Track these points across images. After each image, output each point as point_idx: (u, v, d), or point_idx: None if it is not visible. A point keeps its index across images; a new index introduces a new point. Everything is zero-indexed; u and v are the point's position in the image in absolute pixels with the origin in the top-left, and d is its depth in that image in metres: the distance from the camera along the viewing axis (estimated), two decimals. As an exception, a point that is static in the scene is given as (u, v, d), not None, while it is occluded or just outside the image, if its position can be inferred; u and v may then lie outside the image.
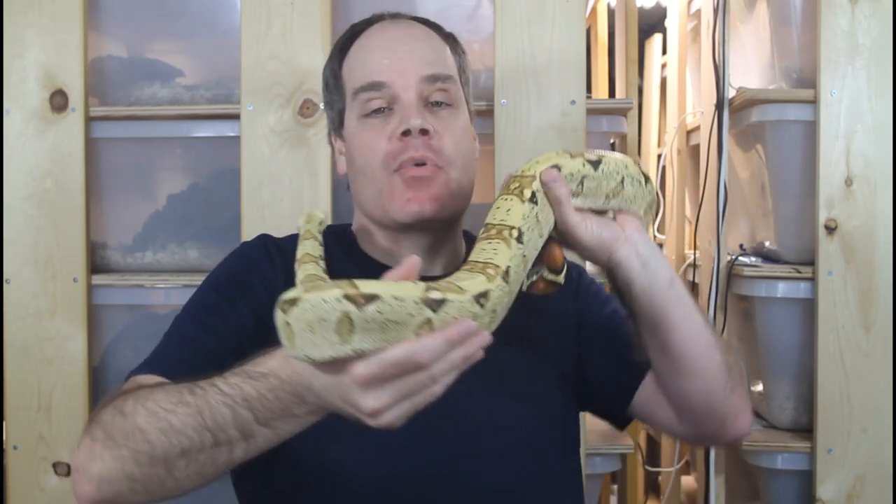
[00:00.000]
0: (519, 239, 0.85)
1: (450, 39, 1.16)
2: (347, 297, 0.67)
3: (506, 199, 0.89)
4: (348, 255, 1.14)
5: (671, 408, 1.07)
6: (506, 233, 0.85)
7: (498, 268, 0.79)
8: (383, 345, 0.68)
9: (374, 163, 1.07)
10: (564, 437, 1.11)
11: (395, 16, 1.16)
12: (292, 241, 1.11)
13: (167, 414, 0.81)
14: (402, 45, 1.10)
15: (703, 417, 1.04)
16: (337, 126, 1.15)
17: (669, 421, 1.09)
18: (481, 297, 0.74)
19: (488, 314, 0.76)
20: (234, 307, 1.03)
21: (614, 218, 0.97)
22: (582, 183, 0.92)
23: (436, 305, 0.69)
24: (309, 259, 0.88)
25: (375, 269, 1.10)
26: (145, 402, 0.83)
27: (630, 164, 0.97)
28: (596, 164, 0.94)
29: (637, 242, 0.95)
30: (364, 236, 1.15)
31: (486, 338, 0.70)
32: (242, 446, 0.80)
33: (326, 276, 0.84)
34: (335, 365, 0.69)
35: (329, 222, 1.02)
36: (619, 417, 1.16)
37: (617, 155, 0.97)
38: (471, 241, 1.19)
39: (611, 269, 0.96)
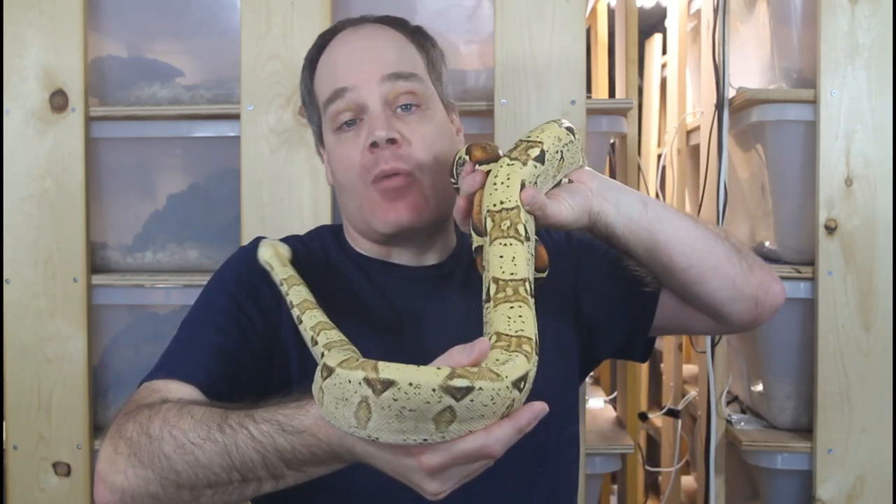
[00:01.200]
0: (530, 292, 0.84)
1: (416, 35, 1.16)
2: (367, 381, 0.68)
3: (506, 245, 0.85)
4: (343, 251, 1.16)
5: (703, 313, 1.08)
6: (521, 290, 0.82)
7: (530, 340, 0.77)
8: (399, 437, 0.69)
9: (352, 176, 1.08)
10: (562, 405, 1.12)
11: (358, 21, 1.16)
12: (289, 242, 1.12)
13: (194, 448, 0.81)
14: (362, 49, 1.11)
15: (737, 307, 1.06)
16: (319, 139, 1.17)
17: (708, 324, 1.11)
18: (521, 381, 0.72)
19: (526, 391, 0.74)
20: (243, 308, 1.03)
21: (570, 181, 0.98)
22: (563, 156, 0.94)
23: (460, 394, 0.68)
24: (295, 281, 0.93)
25: (369, 264, 1.11)
26: (172, 429, 0.83)
27: (559, 134, 0.95)
28: (570, 131, 0.96)
29: (601, 189, 0.96)
30: (355, 240, 1.17)
31: (545, 409, 0.72)
32: (271, 484, 0.82)
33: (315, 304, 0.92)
34: (400, 448, 0.71)
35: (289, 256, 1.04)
36: (640, 349, 1.18)
37: (546, 129, 0.95)
38: (458, 229, 1.20)
39: (593, 225, 0.97)
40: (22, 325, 1.69)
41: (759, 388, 1.83)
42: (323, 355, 0.82)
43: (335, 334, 0.90)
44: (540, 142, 0.91)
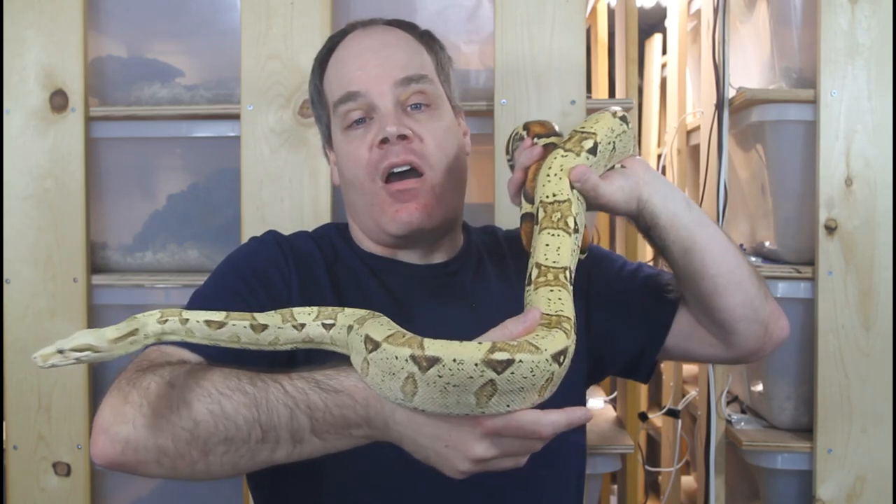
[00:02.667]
0: (570, 280, 0.88)
1: (425, 38, 1.17)
2: (413, 358, 0.72)
3: (554, 236, 0.90)
4: (350, 248, 1.16)
5: (714, 334, 1.09)
6: (562, 276, 0.87)
7: (570, 320, 0.81)
8: (443, 410, 0.73)
9: (360, 174, 1.08)
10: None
11: (369, 23, 1.17)
12: (299, 238, 1.13)
13: (221, 397, 0.78)
14: (374, 52, 1.11)
15: (748, 329, 1.07)
16: (327, 139, 1.17)
17: (712, 350, 1.12)
18: (560, 356, 0.76)
19: (566, 365, 0.78)
20: (255, 294, 1.02)
21: (623, 167, 1.00)
22: (615, 147, 0.98)
23: (501, 367, 0.71)
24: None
25: (376, 262, 1.11)
26: (201, 379, 0.80)
27: (612, 125, 0.99)
28: (624, 120, 1.00)
29: (652, 179, 1.00)
30: (361, 240, 1.17)
31: (590, 417, 0.78)
32: (286, 449, 0.79)
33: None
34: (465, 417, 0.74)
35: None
36: (644, 371, 1.18)
37: (601, 120, 0.99)
38: (470, 232, 1.19)
39: (639, 212, 1.00)
40: (22, 325, 1.69)
41: (759, 388, 1.83)
42: (351, 328, 0.81)
43: (354, 311, 0.86)
44: (594, 133, 0.95)
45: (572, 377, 1.11)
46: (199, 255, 1.78)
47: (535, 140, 1.00)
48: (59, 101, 1.68)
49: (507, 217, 1.60)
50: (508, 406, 0.73)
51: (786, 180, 1.72)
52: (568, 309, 0.82)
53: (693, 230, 1.01)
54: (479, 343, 0.72)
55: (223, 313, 0.82)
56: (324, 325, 0.84)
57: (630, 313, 1.14)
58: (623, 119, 1.00)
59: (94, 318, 1.72)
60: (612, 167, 1.00)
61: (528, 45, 1.62)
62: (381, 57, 1.10)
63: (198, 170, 1.80)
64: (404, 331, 0.77)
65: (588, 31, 2.32)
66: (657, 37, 2.76)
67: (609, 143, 0.97)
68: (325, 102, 1.15)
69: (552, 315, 0.80)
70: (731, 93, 1.77)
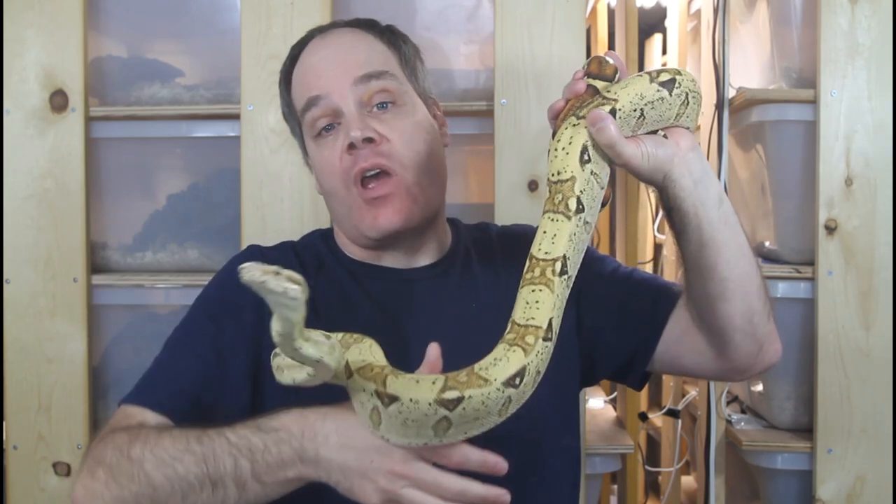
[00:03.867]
0: (563, 271, 0.85)
1: (386, 34, 1.15)
2: (377, 394, 0.77)
3: (553, 221, 0.86)
4: (334, 256, 1.15)
5: (707, 343, 1.05)
6: (549, 271, 0.84)
7: (539, 329, 0.80)
8: (404, 440, 0.78)
9: (335, 182, 1.08)
10: (558, 412, 1.11)
11: (327, 28, 1.16)
12: (281, 250, 1.12)
13: (173, 462, 0.86)
14: (331, 56, 1.11)
15: (743, 343, 1.03)
16: (304, 150, 1.17)
17: (700, 360, 1.08)
18: (515, 378, 0.77)
19: (530, 381, 0.79)
20: (223, 330, 1.03)
21: (665, 135, 0.92)
22: (643, 114, 0.89)
23: (452, 405, 0.75)
24: None
25: (359, 269, 1.11)
26: (153, 448, 0.87)
27: (644, 90, 0.90)
28: (670, 85, 0.89)
29: (691, 160, 0.92)
30: (346, 245, 1.16)
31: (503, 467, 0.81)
32: (234, 497, 0.85)
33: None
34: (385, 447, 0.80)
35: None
36: (636, 378, 1.15)
37: (631, 85, 0.90)
38: (459, 229, 1.19)
39: (663, 188, 0.93)
40: (22, 325, 1.69)
41: (759, 388, 1.83)
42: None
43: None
44: (615, 99, 0.87)
45: (562, 378, 1.10)
46: (199, 255, 1.78)
47: (586, 77, 0.92)
48: (59, 101, 1.68)
49: (507, 217, 1.60)
50: (466, 433, 0.79)
51: (786, 180, 1.72)
52: (542, 314, 0.81)
53: (716, 227, 0.95)
54: (434, 381, 0.76)
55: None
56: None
57: (622, 315, 1.12)
58: (665, 84, 0.89)
59: (95, 318, 1.72)
60: (655, 132, 0.92)
61: (528, 45, 1.62)
62: (339, 59, 1.10)
63: (198, 170, 1.80)
64: (376, 361, 0.81)
65: (588, 31, 2.32)
66: (657, 37, 2.75)
67: (635, 110, 0.88)
68: (295, 114, 1.14)
69: (521, 325, 0.80)
70: (731, 93, 1.77)
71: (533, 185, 1.61)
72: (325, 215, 1.64)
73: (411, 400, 0.75)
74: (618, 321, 1.12)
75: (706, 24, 1.94)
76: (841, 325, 1.62)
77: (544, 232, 0.86)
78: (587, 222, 0.87)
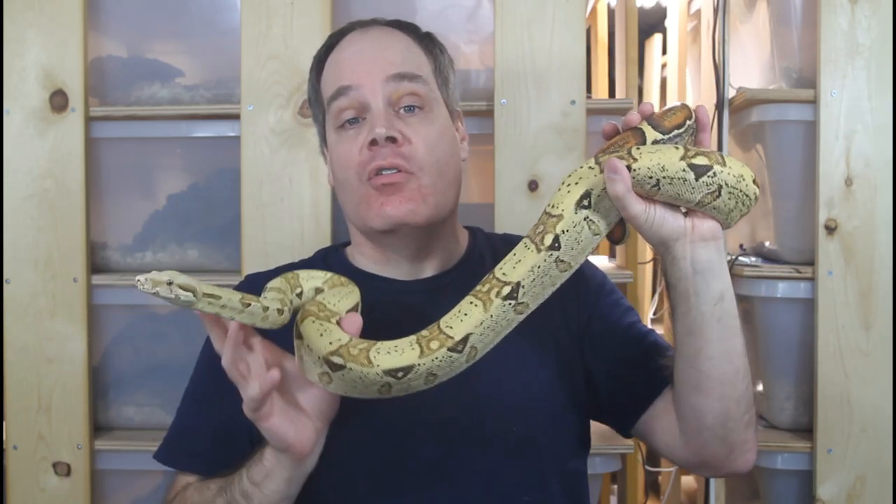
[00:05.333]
0: (510, 296, 0.86)
1: (424, 40, 1.16)
2: (327, 361, 0.84)
3: (526, 247, 0.87)
4: (344, 271, 1.14)
5: (679, 427, 1.03)
6: (494, 292, 0.86)
7: (450, 339, 0.84)
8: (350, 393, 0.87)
9: (349, 174, 1.08)
10: (554, 437, 1.10)
11: (368, 23, 1.16)
12: (278, 273, 1.12)
13: (206, 501, 1.01)
14: (369, 51, 1.10)
15: (712, 442, 1.00)
16: (323, 139, 1.17)
17: (672, 442, 1.05)
18: (398, 372, 0.83)
19: (419, 381, 0.85)
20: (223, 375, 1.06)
21: (686, 213, 0.89)
22: (659, 185, 0.85)
23: (334, 367, 0.84)
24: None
25: (365, 279, 1.10)
26: (188, 500, 1.03)
27: (748, 179, 0.87)
28: (701, 170, 0.85)
29: (698, 248, 0.88)
30: (356, 247, 1.16)
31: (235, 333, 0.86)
32: None
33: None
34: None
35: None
36: (625, 427, 1.13)
37: (737, 169, 0.86)
38: (477, 239, 1.18)
39: (663, 258, 0.91)
40: (22, 325, 1.69)
41: (759, 388, 1.83)
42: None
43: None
44: (635, 159, 0.85)
45: (558, 406, 1.09)
46: (199, 255, 1.78)
47: (644, 121, 0.91)
48: (59, 101, 1.68)
49: (507, 217, 1.60)
50: (346, 392, 0.87)
51: (786, 180, 1.72)
52: (462, 327, 0.84)
53: (707, 321, 0.91)
54: (339, 343, 0.84)
55: (241, 296, 0.88)
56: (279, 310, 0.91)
57: (617, 377, 1.09)
58: (695, 167, 0.84)
59: (95, 318, 1.72)
60: (679, 208, 0.89)
61: (528, 45, 1.62)
62: (375, 54, 1.10)
63: (198, 170, 1.80)
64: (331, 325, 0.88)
65: (588, 31, 2.33)
66: (657, 37, 2.76)
67: (651, 178, 0.84)
68: (321, 101, 1.14)
69: (438, 329, 0.85)
70: (731, 93, 1.77)
71: (533, 185, 1.61)
72: (324, 216, 1.64)
73: (309, 347, 0.85)
74: (621, 369, 1.10)
75: (706, 24, 1.94)
76: (841, 325, 1.62)
77: (514, 254, 0.88)
78: (562, 261, 0.87)
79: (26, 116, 1.68)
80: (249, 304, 0.86)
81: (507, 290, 0.86)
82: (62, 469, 1.69)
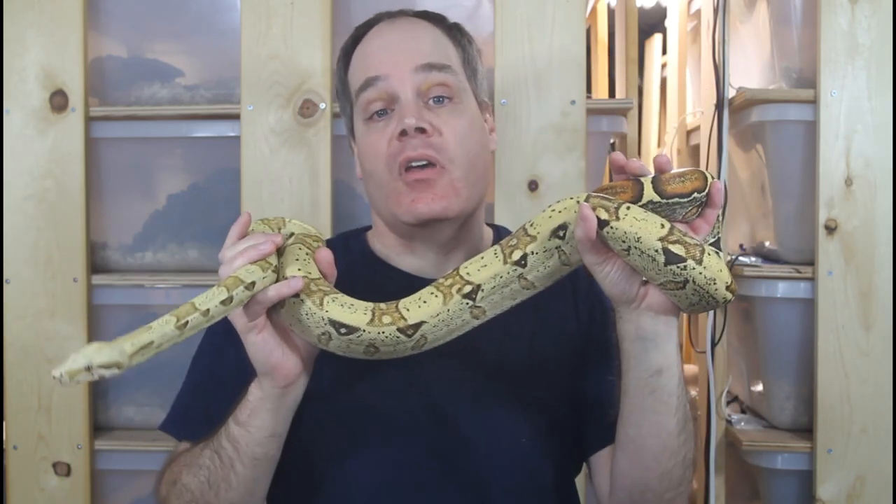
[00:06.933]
0: (469, 295, 0.87)
1: (452, 31, 1.14)
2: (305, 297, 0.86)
3: (495, 254, 0.88)
4: (362, 257, 1.14)
5: (609, 476, 1.03)
6: (456, 288, 0.87)
7: (402, 320, 0.86)
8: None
9: (378, 166, 1.06)
10: (564, 454, 1.10)
11: (395, 14, 1.15)
12: None
13: (196, 461, 0.99)
14: (397, 41, 1.09)
15: (627, 500, 0.99)
16: (350, 131, 1.15)
17: (603, 488, 1.06)
18: (341, 328, 0.85)
19: (358, 347, 0.87)
20: (222, 352, 1.07)
21: (646, 281, 0.87)
22: (629, 252, 0.84)
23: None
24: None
25: (387, 270, 1.10)
26: (186, 463, 1.01)
27: (720, 285, 0.83)
28: (674, 258, 0.82)
29: (644, 319, 0.87)
30: (378, 237, 1.15)
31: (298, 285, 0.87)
32: (235, 455, 0.95)
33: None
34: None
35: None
36: (584, 452, 1.11)
37: (712, 271, 0.83)
38: (501, 236, 1.18)
39: (615, 307, 0.90)
40: (22, 325, 1.69)
41: (759, 388, 1.83)
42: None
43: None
44: (616, 219, 0.83)
45: (527, 440, 1.07)
46: (199, 255, 1.78)
47: (651, 176, 0.88)
48: (59, 101, 1.68)
49: (507, 217, 1.60)
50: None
51: (786, 180, 1.72)
52: (418, 313, 0.86)
53: (640, 390, 0.90)
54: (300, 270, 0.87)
55: (224, 289, 0.86)
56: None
57: (582, 413, 1.09)
58: (668, 253, 0.82)
59: (95, 318, 1.72)
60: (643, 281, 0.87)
61: (528, 45, 1.62)
62: (404, 45, 1.08)
63: (198, 170, 1.80)
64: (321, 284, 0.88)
65: (588, 31, 2.32)
66: (657, 37, 2.76)
67: (623, 242, 0.83)
68: (349, 93, 1.12)
69: (395, 308, 0.87)
70: (731, 93, 1.77)
71: (533, 185, 1.61)
72: (324, 216, 1.64)
73: (284, 265, 0.89)
74: (596, 399, 1.09)
75: (706, 24, 1.94)
76: (841, 325, 1.62)
77: (482, 257, 0.89)
78: (526, 279, 0.88)
79: (26, 116, 1.68)
80: (187, 323, 0.84)
81: (467, 288, 0.87)
82: (62, 469, 1.69)
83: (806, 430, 1.70)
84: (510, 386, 1.06)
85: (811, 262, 1.66)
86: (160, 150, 1.80)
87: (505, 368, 1.07)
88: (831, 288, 1.63)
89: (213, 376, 1.09)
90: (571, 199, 0.87)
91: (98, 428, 1.74)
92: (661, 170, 0.88)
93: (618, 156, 0.90)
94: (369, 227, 1.19)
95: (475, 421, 1.04)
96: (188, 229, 1.78)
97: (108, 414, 1.77)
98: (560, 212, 0.87)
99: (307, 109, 1.63)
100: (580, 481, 1.20)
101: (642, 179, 0.88)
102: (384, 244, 1.14)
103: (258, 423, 0.94)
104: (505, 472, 1.04)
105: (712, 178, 0.88)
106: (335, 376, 1.03)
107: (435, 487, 1.02)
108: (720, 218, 0.92)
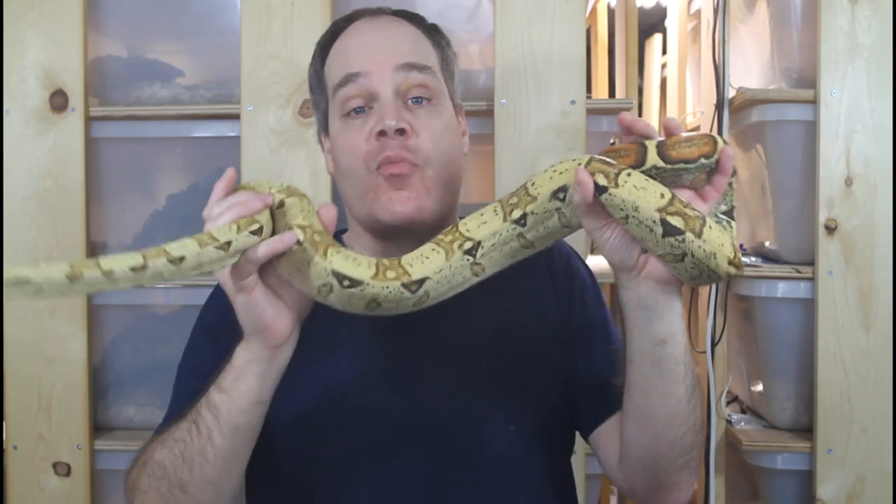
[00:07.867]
0: (470, 252, 0.86)
1: (431, 32, 1.14)
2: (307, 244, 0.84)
3: (495, 212, 0.87)
4: None
5: (617, 448, 1.03)
6: (457, 244, 0.86)
7: (406, 275, 0.84)
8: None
9: (356, 163, 1.06)
10: (554, 439, 1.10)
11: (376, 12, 1.14)
12: None
13: (170, 433, 0.95)
14: (378, 39, 1.09)
15: (642, 473, 0.99)
16: (324, 126, 1.15)
17: (611, 461, 1.06)
18: (344, 280, 0.83)
19: (360, 302, 0.84)
20: (202, 354, 1.08)
21: (646, 250, 0.85)
22: (627, 219, 0.82)
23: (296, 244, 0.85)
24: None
25: None
26: (162, 439, 0.97)
27: (721, 259, 0.81)
28: (671, 230, 0.80)
29: (643, 287, 0.86)
30: (354, 238, 1.15)
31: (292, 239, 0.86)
32: (215, 425, 0.91)
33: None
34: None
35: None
36: (584, 431, 1.12)
37: (713, 245, 0.80)
38: None
39: (615, 275, 0.89)
40: (22, 325, 1.69)
41: (759, 388, 1.83)
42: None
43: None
44: (615, 185, 0.81)
45: (515, 428, 1.07)
46: (199, 254, 1.78)
47: (657, 138, 0.86)
48: (59, 101, 1.68)
49: (507, 217, 1.60)
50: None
51: (786, 180, 1.72)
52: (422, 268, 0.84)
53: (645, 357, 0.89)
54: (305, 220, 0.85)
55: (140, 256, 0.86)
56: (252, 232, 0.89)
57: (594, 376, 1.08)
58: (666, 224, 0.80)
59: (95, 318, 1.72)
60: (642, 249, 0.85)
61: (528, 45, 1.62)
62: (386, 43, 1.08)
63: (198, 170, 1.80)
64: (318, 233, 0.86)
65: (588, 31, 2.33)
66: (657, 37, 2.76)
67: (621, 210, 0.81)
68: (325, 87, 1.12)
69: (398, 264, 0.84)
70: (731, 93, 1.77)
71: (533, 185, 1.61)
72: (325, 215, 1.64)
73: (285, 213, 0.88)
74: (590, 373, 1.09)
75: (706, 24, 1.94)
76: (841, 325, 1.62)
77: (481, 214, 0.88)
78: (525, 238, 0.87)
79: (26, 116, 1.68)
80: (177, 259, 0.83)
81: (468, 244, 0.86)
82: (62, 469, 1.69)
83: (806, 430, 1.70)
84: (494, 375, 1.06)
85: (811, 262, 1.66)
86: (160, 150, 1.80)
87: (488, 358, 1.07)
88: (831, 288, 1.63)
89: (201, 376, 1.06)
90: (574, 160, 0.85)
91: (98, 428, 1.74)
92: (669, 133, 0.85)
93: (625, 115, 0.88)
94: (345, 230, 1.19)
95: (461, 411, 1.04)
96: (188, 229, 1.76)
97: (108, 414, 1.77)
98: (561, 173, 0.85)
99: (307, 109, 1.63)
100: (577, 469, 1.20)
101: (647, 143, 0.85)
102: (360, 245, 1.13)
103: (243, 387, 0.90)
104: (494, 462, 1.04)
105: (724, 143, 0.85)
106: (312, 364, 1.02)
107: (423, 479, 1.02)
108: (732, 185, 0.88)
